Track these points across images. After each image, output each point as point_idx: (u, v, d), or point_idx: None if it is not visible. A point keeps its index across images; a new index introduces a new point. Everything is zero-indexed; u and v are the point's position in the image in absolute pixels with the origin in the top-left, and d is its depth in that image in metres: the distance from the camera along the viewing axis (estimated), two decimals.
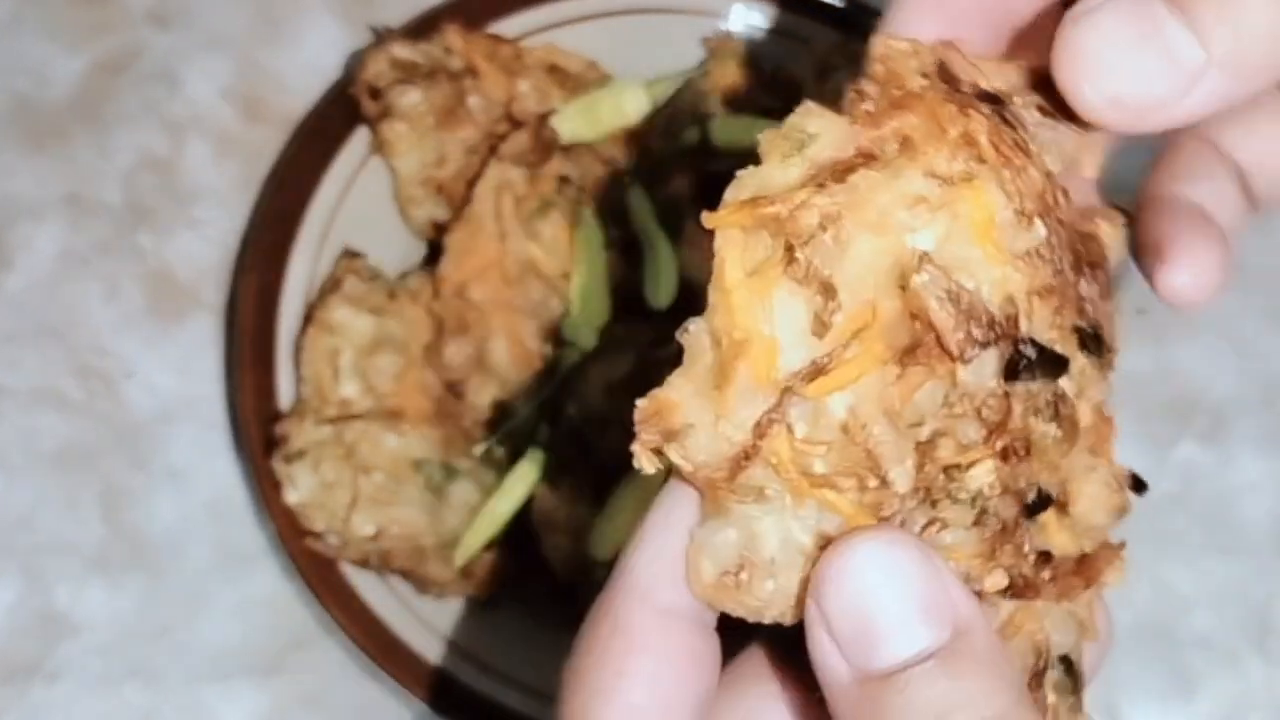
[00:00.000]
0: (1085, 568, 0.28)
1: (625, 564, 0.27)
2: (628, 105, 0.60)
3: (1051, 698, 0.28)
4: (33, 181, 0.63)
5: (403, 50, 0.59)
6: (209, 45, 0.65)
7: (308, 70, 0.65)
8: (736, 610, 0.27)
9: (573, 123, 0.59)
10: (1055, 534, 0.28)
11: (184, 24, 0.66)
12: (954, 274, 0.25)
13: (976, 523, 0.26)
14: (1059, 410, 0.26)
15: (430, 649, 0.55)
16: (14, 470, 0.60)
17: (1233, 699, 0.61)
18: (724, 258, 0.26)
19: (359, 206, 0.59)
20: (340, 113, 0.59)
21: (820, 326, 0.25)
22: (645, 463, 0.27)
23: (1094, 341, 0.27)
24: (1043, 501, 0.27)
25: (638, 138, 0.61)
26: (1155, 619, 0.62)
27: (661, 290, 0.59)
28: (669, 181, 0.59)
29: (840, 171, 0.26)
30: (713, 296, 0.27)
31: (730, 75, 0.60)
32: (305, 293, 0.58)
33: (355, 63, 0.59)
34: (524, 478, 0.57)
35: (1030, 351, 0.25)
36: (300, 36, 0.66)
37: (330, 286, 0.57)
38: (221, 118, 0.65)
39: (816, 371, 0.25)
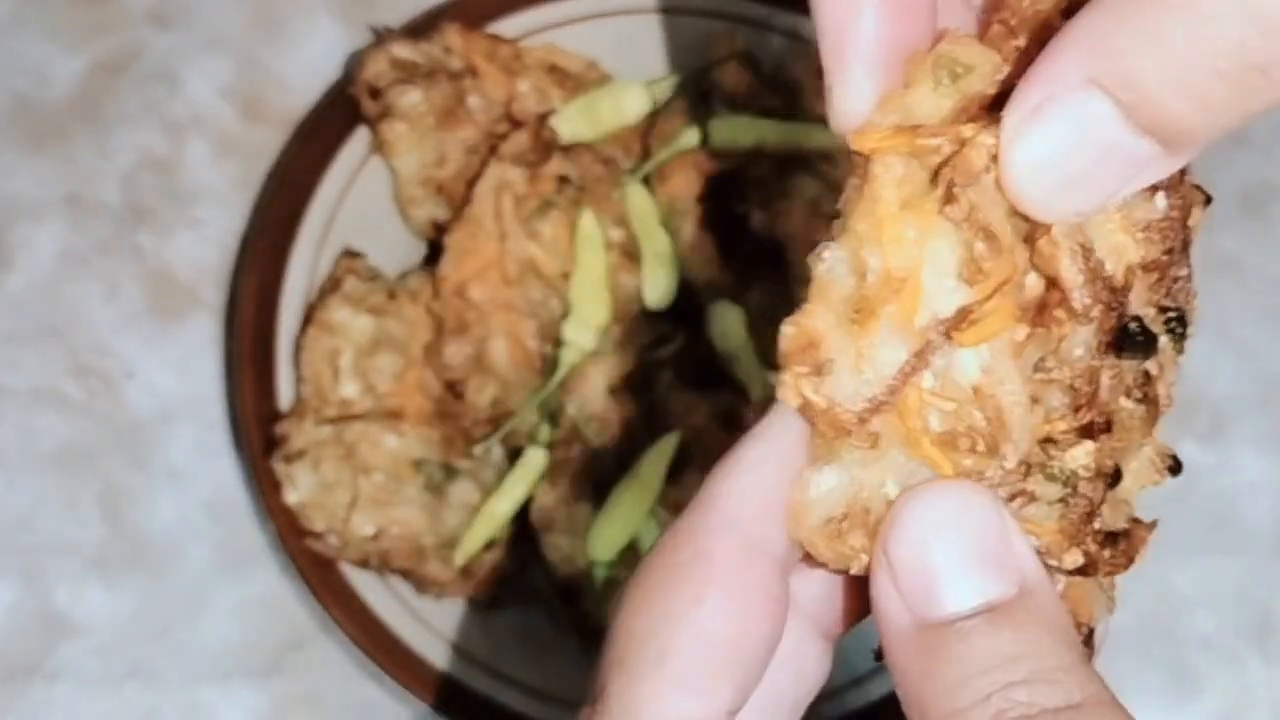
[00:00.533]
0: (1128, 545, 0.27)
1: (714, 490, 0.26)
2: (627, 105, 0.60)
3: None
4: (33, 181, 0.63)
5: (403, 50, 0.59)
6: (209, 45, 0.66)
7: (308, 70, 0.65)
8: (828, 557, 0.26)
9: (572, 122, 0.59)
10: (1106, 510, 0.27)
11: (184, 24, 0.66)
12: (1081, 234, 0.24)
13: (1064, 500, 0.25)
14: (1145, 391, 0.26)
15: (430, 649, 0.55)
16: (14, 470, 0.60)
17: (1234, 699, 0.61)
18: (880, 185, 0.24)
19: (359, 206, 0.59)
20: (340, 113, 0.59)
21: (975, 273, 0.24)
22: (792, 396, 0.25)
23: (1179, 324, 0.26)
24: (1116, 478, 0.26)
25: (638, 137, 0.61)
26: (1156, 619, 0.62)
27: (661, 290, 0.59)
28: (669, 181, 0.59)
29: (985, 109, 0.24)
30: (858, 224, 0.25)
31: (730, 75, 0.60)
32: (305, 293, 0.58)
33: (355, 63, 0.60)
34: (523, 478, 0.57)
35: (1136, 328, 0.25)
36: (300, 36, 0.66)
37: (330, 286, 0.58)
38: (221, 118, 0.65)
39: (962, 320, 0.24)
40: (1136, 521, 0.28)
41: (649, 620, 0.25)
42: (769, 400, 0.60)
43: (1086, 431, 0.25)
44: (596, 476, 0.56)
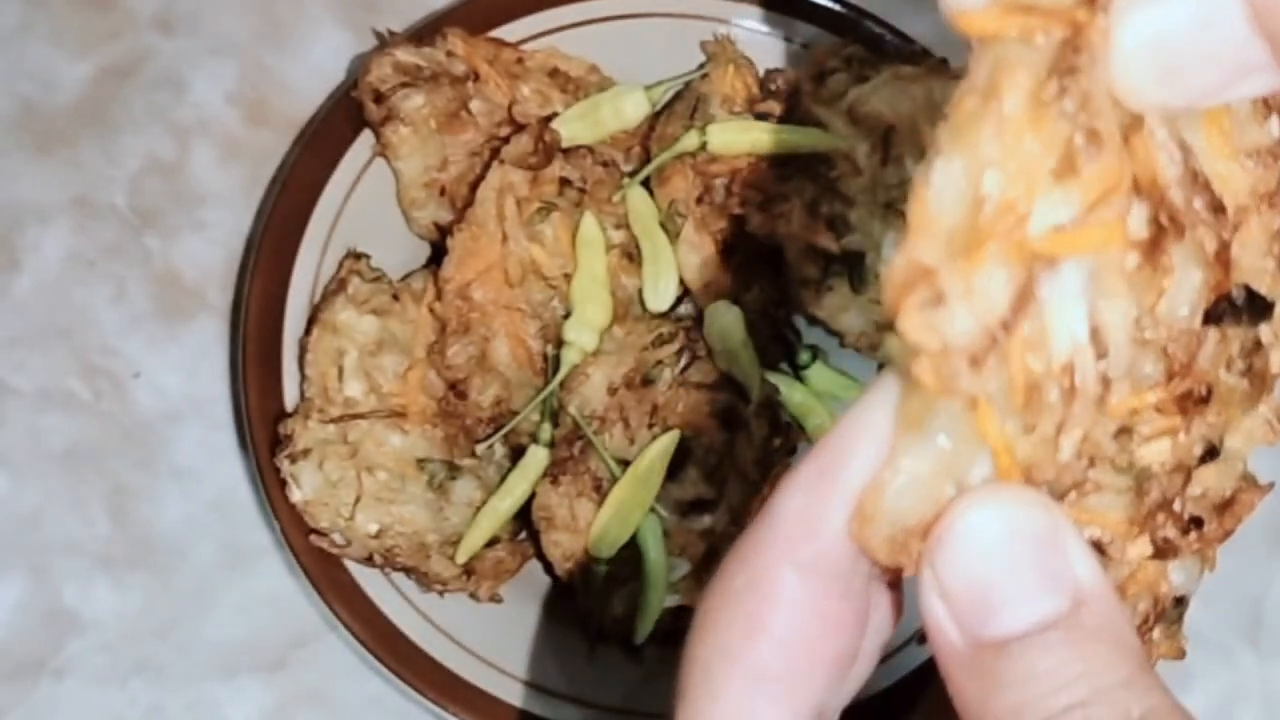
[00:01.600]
0: (1228, 514, 0.25)
1: (770, 509, 0.24)
2: (628, 108, 0.60)
3: (1156, 634, 0.26)
4: (40, 185, 0.64)
5: (406, 55, 0.60)
6: (214, 50, 0.66)
7: (312, 75, 0.66)
8: (886, 562, 0.24)
9: (574, 126, 0.60)
10: (1208, 477, 0.25)
11: (190, 29, 0.66)
12: None
13: (1135, 491, 0.24)
14: (1252, 363, 0.24)
15: (433, 645, 0.56)
16: (22, 469, 0.60)
17: (1225, 692, 0.62)
18: (1001, 78, 0.21)
19: (363, 209, 0.60)
20: (344, 117, 0.60)
21: (1072, 173, 0.21)
22: (922, 336, 0.22)
23: None
24: (1209, 455, 0.24)
25: (638, 140, 0.61)
26: None
27: (661, 292, 0.59)
28: (669, 184, 0.60)
29: None
30: (968, 133, 0.21)
31: (729, 79, 0.61)
32: (310, 294, 0.58)
33: (359, 67, 0.60)
34: (525, 476, 0.57)
35: (1239, 296, 0.23)
36: (305, 41, 0.67)
37: (335, 288, 0.58)
38: (227, 122, 0.65)
39: (1067, 232, 0.21)
40: (1246, 483, 0.26)
41: (706, 652, 0.24)
42: (768, 400, 0.61)
43: (1181, 404, 0.23)
44: (597, 475, 0.56)
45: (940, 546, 0.23)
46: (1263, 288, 0.24)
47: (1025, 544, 0.23)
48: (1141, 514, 0.24)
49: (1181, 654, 0.27)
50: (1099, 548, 0.24)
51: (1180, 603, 0.26)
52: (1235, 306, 0.23)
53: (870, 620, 0.25)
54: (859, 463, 0.24)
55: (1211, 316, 0.23)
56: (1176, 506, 0.25)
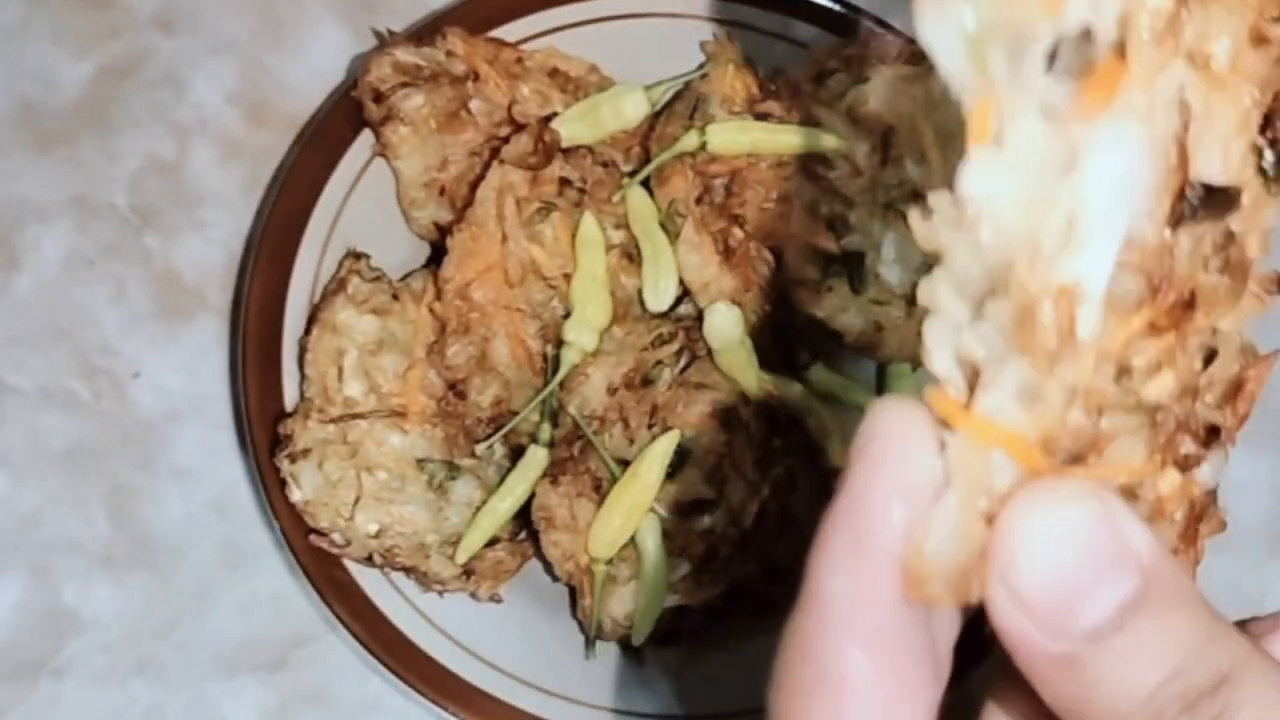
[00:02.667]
0: (1240, 398, 0.26)
1: (815, 587, 0.24)
2: (627, 108, 0.61)
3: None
4: (40, 184, 0.64)
5: (406, 54, 0.60)
6: (214, 50, 0.66)
7: (312, 74, 0.66)
8: (953, 604, 0.24)
9: (573, 126, 0.60)
10: (1212, 370, 0.25)
11: (189, 29, 0.66)
12: None
13: (1149, 425, 0.24)
14: (1228, 256, 0.24)
15: (433, 645, 0.56)
16: (22, 469, 0.60)
17: None
18: None
19: (363, 209, 0.60)
20: (344, 116, 0.60)
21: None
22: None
23: (1275, 167, 0.24)
24: (1209, 360, 0.25)
25: (637, 141, 0.61)
26: None
27: (661, 292, 0.59)
28: (668, 184, 0.60)
29: None
30: None
31: (728, 79, 0.61)
32: (310, 294, 0.59)
33: (359, 67, 0.60)
34: (525, 476, 0.57)
35: (1195, 195, 0.22)
36: (305, 41, 0.67)
37: (334, 288, 0.58)
38: (227, 122, 0.65)
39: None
40: (1248, 356, 0.26)
41: None
42: (768, 400, 0.61)
43: (1171, 317, 0.23)
44: (596, 475, 0.56)
45: (1007, 562, 0.23)
46: (1225, 175, 0.23)
47: (1085, 535, 0.23)
48: (1160, 443, 0.24)
49: (1223, 526, 0.28)
50: (1131, 494, 0.24)
51: (1212, 494, 0.26)
52: (1194, 206, 0.23)
53: (939, 640, 0.26)
54: (888, 525, 0.23)
55: (1174, 221, 0.23)
56: (1192, 423, 0.25)
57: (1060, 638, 0.23)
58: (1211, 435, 0.25)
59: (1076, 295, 0.22)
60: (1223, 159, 0.23)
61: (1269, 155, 0.24)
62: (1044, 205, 0.22)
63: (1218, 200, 0.23)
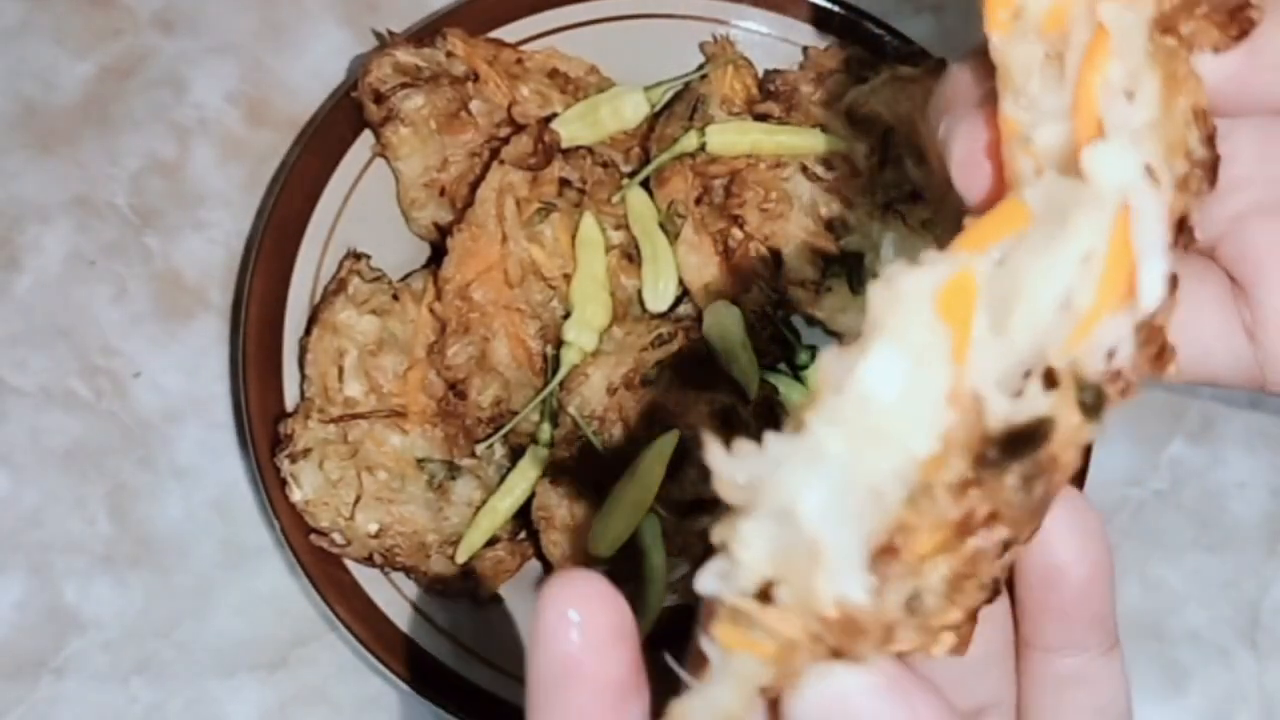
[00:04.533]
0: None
1: None
2: (627, 109, 0.61)
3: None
4: (41, 184, 0.64)
5: (406, 55, 0.60)
6: (215, 50, 0.66)
7: (313, 75, 0.66)
8: None
9: (573, 126, 0.60)
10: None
11: (190, 29, 0.66)
12: None
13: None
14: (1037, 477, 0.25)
15: (433, 645, 0.56)
16: (23, 468, 0.60)
17: (1223, 694, 0.62)
18: None
19: (363, 209, 0.60)
20: (344, 117, 0.60)
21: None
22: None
23: (1094, 400, 0.26)
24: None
25: (637, 141, 0.62)
26: (1146, 615, 0.62)
27: (660, 292, 0.59)
28: (668, 185, 0.60)
29: None
30: None
31: (728, 80, 0.61)
32: (310, 294, 0.59)
33: (359, 68, 0.60)
34: (525, 476, 0.57)
35: (994, 451, 0.25)
36: (305, 42, 0.67)
37: (335, 288, 0.58)
38: (227, 122, 0.65)
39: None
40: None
41: None
42: (765, 399, 0.60)
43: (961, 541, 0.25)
44: (596, 475, 0.57)
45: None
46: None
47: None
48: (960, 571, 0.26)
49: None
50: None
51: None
52: (995, 457, 0.25)
53: None
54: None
55: (966, 486, 0.25)
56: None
57: None
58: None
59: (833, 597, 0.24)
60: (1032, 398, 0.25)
61: (1089, 395, 0.25)
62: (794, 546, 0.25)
63: (1021, 444, 0.25)
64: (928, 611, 0.25)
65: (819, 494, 0.24)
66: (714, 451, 0.26)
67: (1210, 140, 0.27)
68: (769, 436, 0.25)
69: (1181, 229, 0.27)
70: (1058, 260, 0.25)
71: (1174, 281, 0.26)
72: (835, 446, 0.25)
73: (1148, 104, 0.26)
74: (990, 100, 0.28)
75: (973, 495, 0.25)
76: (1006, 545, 0.26)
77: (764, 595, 0.25)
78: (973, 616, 0.26)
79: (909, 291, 0.25)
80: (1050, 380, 0.25)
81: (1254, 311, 0.31)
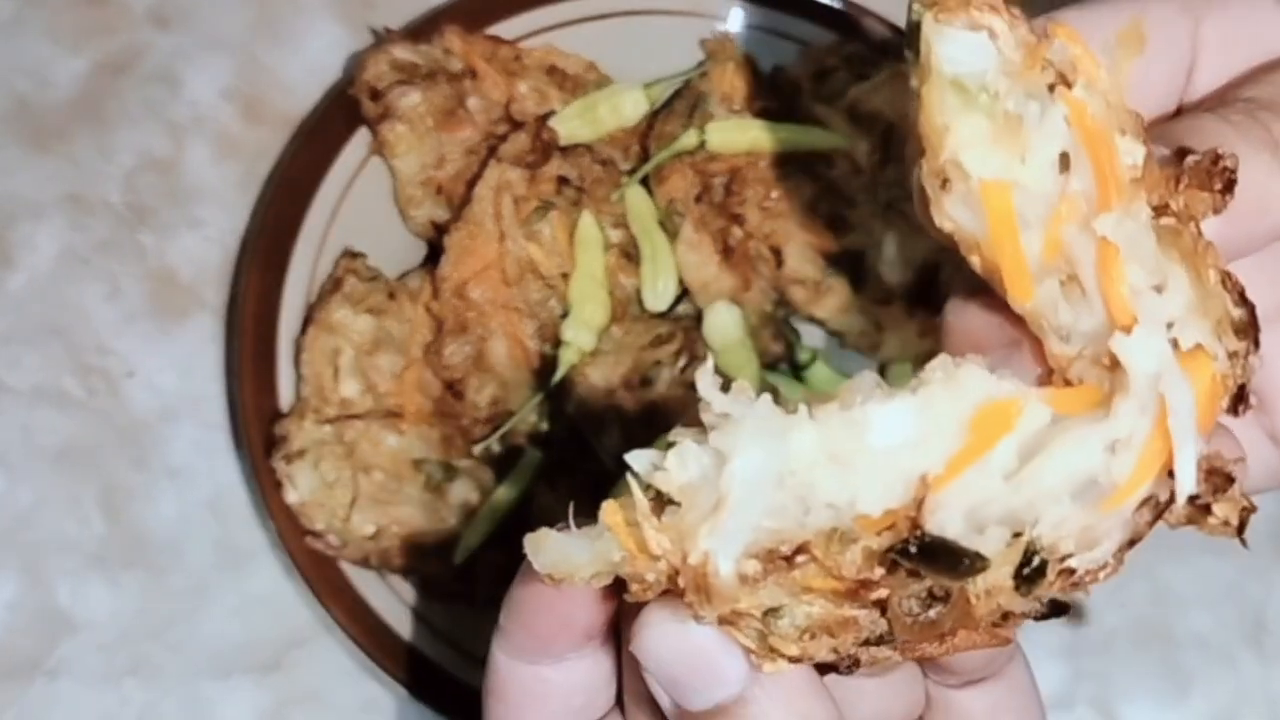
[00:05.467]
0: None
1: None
2: (626, 107, 0.60)
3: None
4: (34, 181, 0.63)
5: (403, 52, 0.59)
6: (210, 46, 0.66)
7: (308, 71, 0.65)
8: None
9: (571, 124, 0.60)
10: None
11: (185, 25, 0.66)
12: None
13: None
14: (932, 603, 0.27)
15: (430, 648, 0.56)
16: (15, 468, 0.60)
17: (1228, 697, 0.61)
18: None
19: (359, 207, 0.60)
20: (340, 114, 0.60)
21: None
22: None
23: (1027, 587, 0.28)
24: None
25: (636, 139, 0.61)
26: (1151, 618, 0.62)
27: (660, 291, 0.59)
28: (667, 182, 0.59)
29: None
30: None
31: (728, 77, 0.60)
32: (305, 293, 0.58)
33: (355, 64, 0.60)
34: (522, 477, 0.57)
35: (915, 549, 0.27)
36: (301, 38, 0.66)
37: (331, 286, 0.58)
38: (222, 118, 0.65)
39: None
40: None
41: None
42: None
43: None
44: (594, 475, 0.56)
45: (636, 647, 0.30)
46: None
47: (685, 657, 0.29)
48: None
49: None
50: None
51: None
52: (909, 553, 0.27)
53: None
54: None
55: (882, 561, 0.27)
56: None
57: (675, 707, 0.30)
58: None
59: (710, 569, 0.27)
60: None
61: (1034, 567, 0.27)
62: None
63: (946, 560, 0.27)
64: (779, 630, 0.28)
65: (756, 462, 0.26)
66: (705, 376, 0.27)
67: (1242, 297, 0.28)
68: (765, 397, 0.27)
69: (1241, 397, 0.28)
70: (1088, 443, 0.27)
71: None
72: (804, 442, 0.27)
73: (1180, 289, 0.28)
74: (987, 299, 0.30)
75: (878, 572, 0.27)
76: (881, 641, 0.28)
77: (659, 504, 0.27)
78: (803, 660, 0.28)
79: (965, 387, 0.27)
80: (1015, 539, 0.27)
81: (1275, 419, 0.34)
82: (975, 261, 0.29)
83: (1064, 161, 0.28)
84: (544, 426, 0.58)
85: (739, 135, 0.59)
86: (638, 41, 0.62)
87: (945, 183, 0.28)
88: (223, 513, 0.60)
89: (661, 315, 0.59)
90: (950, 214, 0.28)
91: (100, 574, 0.59)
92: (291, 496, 0.55)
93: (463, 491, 0.57)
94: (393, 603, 0.56)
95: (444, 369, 0.57)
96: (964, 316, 0.31)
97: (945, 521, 0.27)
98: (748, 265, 0.59)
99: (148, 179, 0.64)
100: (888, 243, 0.58)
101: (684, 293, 0.60)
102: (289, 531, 0.55)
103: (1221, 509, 0.28)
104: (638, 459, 0.28)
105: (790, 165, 0.59)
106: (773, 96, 0.60)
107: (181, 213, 0.64)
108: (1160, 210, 0.28)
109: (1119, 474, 0.27)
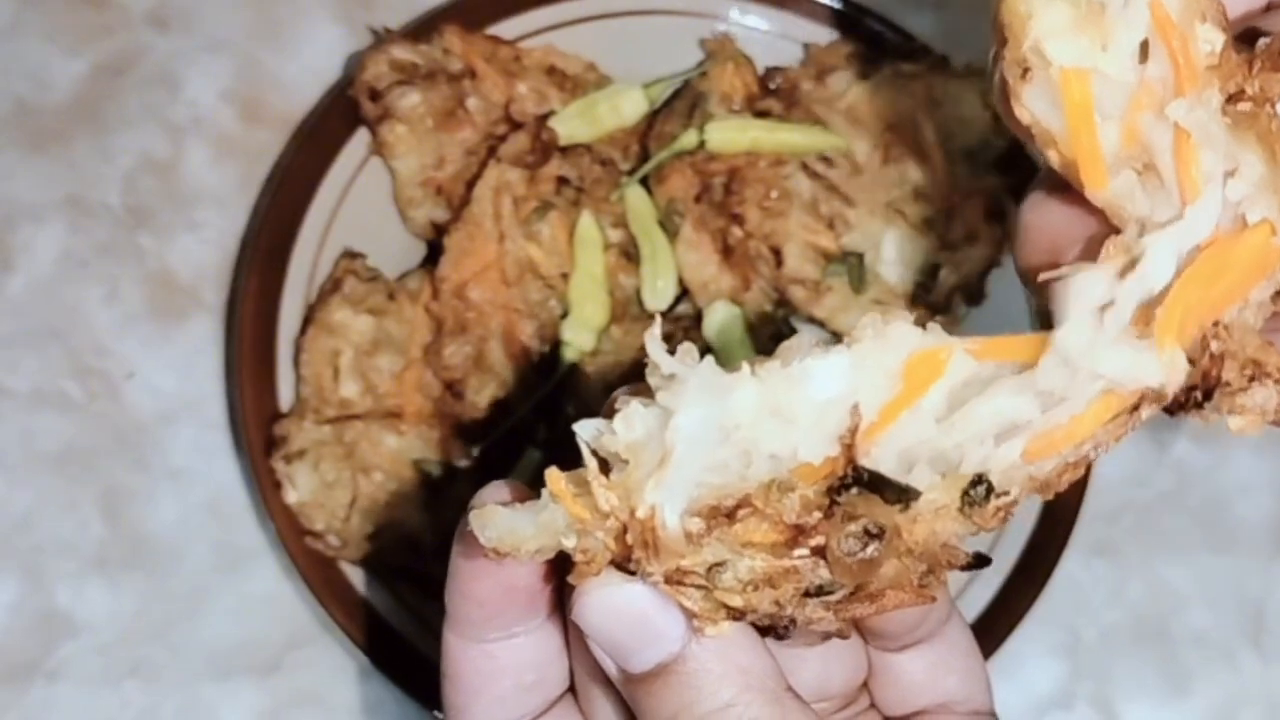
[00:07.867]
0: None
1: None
2: (626, 107, 0.60)
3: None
4: (33, 184, 0.63)
5: (402, 52, 0.59)
6: (209, 48, 0.66)
7: (307, 72, 0.65)
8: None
9: (571, 124, 0.60)
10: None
11: (184, 27, 0.66)
12: None
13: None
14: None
15: (429, 648, 0.55)
16: (15, 470, 0.60)
17: (1227, 695, 0.61)
18: None
19: (358, 208, 0.60)
20: (340, 114, 0.60)
21: None
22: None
23: (983, 499, 0.29)
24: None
25: (636, 139, 0.61)
26: (1151, 616, 0.62)
27: (659, 291, 0.59)
28: (667, 183, 0.59)
29: None
30: None
31: (728, 77, 0.60)
32: (305, 294, 0.58)
33: (355, 65, 0.60)
34: (522, 477, 0.57)
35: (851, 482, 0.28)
36: (300, 39, 0.66)
37: (330, 287, 0.58)
38: (221, 120, 0.65)
39: None
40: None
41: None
42: None
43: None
44: None
45: (577, 614, 0.30)
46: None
47: (626, 617, 0.30)
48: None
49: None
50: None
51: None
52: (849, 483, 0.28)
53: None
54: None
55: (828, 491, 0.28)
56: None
57: (619, 670, 0.31)
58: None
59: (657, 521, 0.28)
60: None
61: (980, 490, 0.28)
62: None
63: (880, 491, 0.28)
64: (722, 583, 0.28)
65: (698, 417, 0.27)
66: (654, 339, 0.28)
67: None
68: (708, 358, 0.28)
69: None
70: (1020, 396, 0.28)
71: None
72: (744, 398, 0.28)
73: (1252, 168, 0.28)
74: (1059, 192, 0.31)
75: (816, 516, 0.28)
76: (820, 592, 0.29)
77: (605, 467, 0.28)
78: (743, 615, 0.29)
79: (894, 338, 0.28)
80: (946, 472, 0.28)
81: None
82: (1052, 156, 0.29)
83: (1144, 51, 0.28)
84: (543, 426, 0.57)
85: (739, 135, 0.59)
86: (637, 41, 0.62)
87: (1026, 71, 0.28)
88: (222, 514, 0.60)
89: (662, 314, 0.59)
90: (1029, 105, 0.29)
91: (100, 576, 0.59)
92: (291, 497, 0.55)
93: (462, 492, 0.57)
94: (392, 603, 0.56)
95: (444, 369, 0.57)
96: (1041, 212, 0.31)
97: (880, 459, 0.28)
98: (747, 265, 0.59)
99: (147, 181, 0.64)
100: (888, 243, 0.59)
101: (684, 292, 0.60)
102: (289, 532, 0.55)
103: (1252, 397, 0.29)
104: (584, 428, 0.29)
105: (790, 165, 0.59)
106: (772, 96, 0.60)
107: (181, 214, 0.64)
108: (1236, 97, 0.28)
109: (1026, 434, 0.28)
